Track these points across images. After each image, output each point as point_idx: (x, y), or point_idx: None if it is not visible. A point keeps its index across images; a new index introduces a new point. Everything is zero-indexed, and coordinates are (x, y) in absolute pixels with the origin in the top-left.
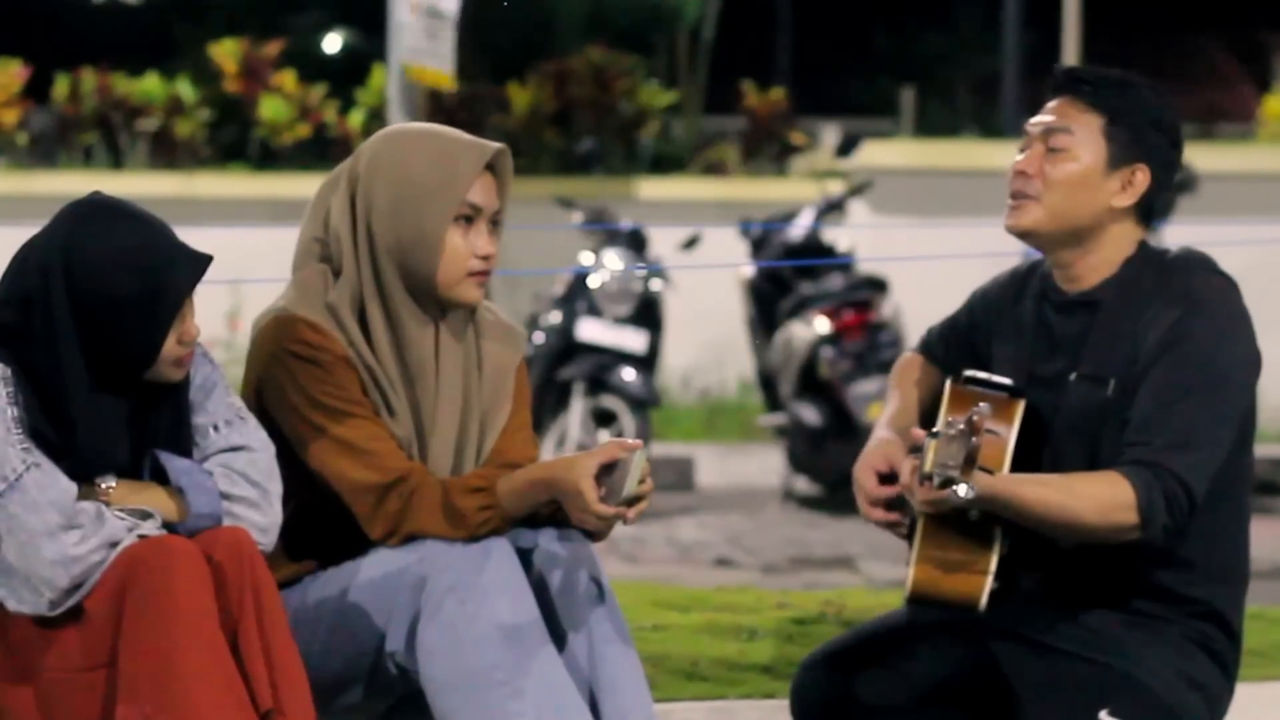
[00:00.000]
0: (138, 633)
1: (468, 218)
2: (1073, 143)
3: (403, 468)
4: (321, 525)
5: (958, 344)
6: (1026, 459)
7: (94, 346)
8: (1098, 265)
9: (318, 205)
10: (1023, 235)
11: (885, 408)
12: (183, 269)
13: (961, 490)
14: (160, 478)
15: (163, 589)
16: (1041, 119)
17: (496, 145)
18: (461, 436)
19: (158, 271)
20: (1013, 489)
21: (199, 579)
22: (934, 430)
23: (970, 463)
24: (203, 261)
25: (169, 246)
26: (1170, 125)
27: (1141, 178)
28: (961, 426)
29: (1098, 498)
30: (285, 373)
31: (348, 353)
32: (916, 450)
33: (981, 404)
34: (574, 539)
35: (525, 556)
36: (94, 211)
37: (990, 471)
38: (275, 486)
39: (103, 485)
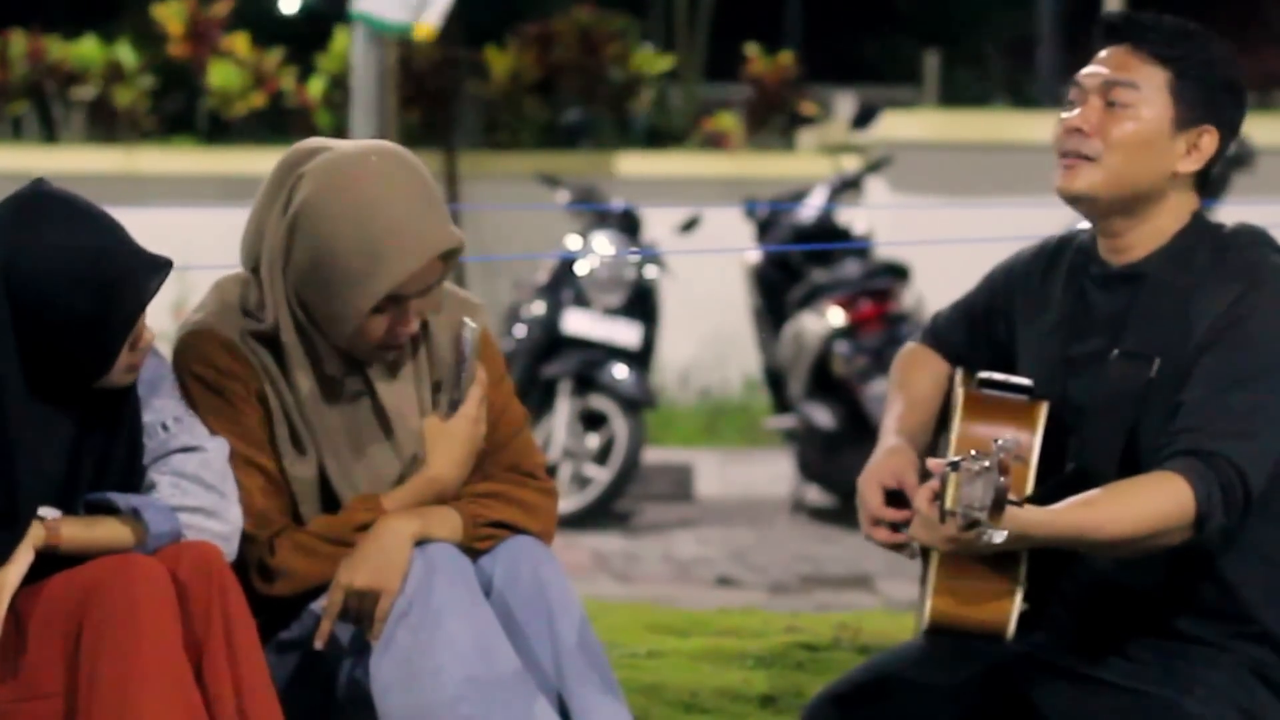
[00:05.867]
0: (97, 661)
1: (387, 306)
2: (1137, 98)
3: (275, 527)
4: None
5: (974, 330)
6: (1052, 450)
7: (38, 362)
8: (1149, 235)
9: (267, 194)
10: (1075, 200)
11: (889, 408)
12: (143, 280)
13: (995, 537)
14: (93, 511)
15: (125, 615)
16: (1098, 70)
17: (449, 242)
18: (410, 460)
19: (115, 285)
20: (1051, 522)
21: (163, 603)
22: (953, 460)
23: (999, 507)
24: (163, 268)
25: (127, 253)
26: (1240, 87)
27: (1209, 141)
28: (986, 464)
29: (1147, 499)
30: (188, 396)
31: (258, 382)
32: (931, 477)
33: (1006, 438)
34: (532, 547)
35: (482, 575)
36: (39, 208)
37: (1018, 503)
38: (231, 488)
39: (45, 518)
